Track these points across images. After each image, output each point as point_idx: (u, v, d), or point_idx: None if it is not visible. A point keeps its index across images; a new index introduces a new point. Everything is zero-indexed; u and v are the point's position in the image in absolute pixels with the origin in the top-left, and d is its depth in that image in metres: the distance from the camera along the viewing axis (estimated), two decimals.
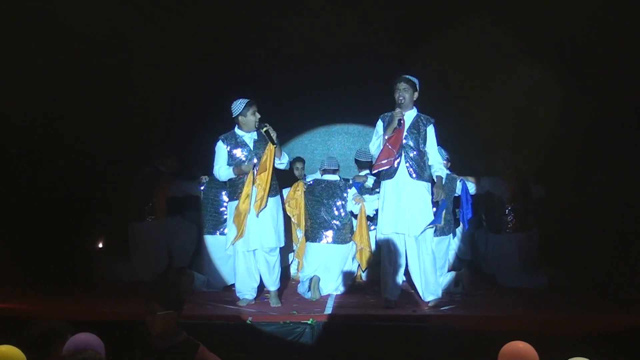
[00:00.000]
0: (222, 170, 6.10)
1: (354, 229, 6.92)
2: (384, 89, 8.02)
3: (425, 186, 5.97)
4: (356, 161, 7.92)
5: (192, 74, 7.98)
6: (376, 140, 6.11)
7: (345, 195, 6.90)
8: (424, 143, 5.97)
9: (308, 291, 6.52)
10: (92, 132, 7.17)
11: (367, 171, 7.60)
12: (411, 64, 7.21)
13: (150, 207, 7.49)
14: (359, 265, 7.07)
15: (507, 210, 7.21)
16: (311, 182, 7.06)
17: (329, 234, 6.82)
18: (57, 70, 6.46)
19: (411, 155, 5.92)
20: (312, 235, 6.86)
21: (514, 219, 7.20)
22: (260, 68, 7.85)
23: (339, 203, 6.87)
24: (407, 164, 5.91)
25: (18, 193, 6.60)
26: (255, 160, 6.03)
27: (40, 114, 6.53)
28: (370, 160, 7.61)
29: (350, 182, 7.44)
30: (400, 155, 5.91)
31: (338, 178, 7.08)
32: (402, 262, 6.02)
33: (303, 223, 6.96)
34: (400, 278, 6.11)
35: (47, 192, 6.91)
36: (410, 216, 5.89)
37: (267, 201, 6.01)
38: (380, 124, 6.10)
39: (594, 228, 6.69)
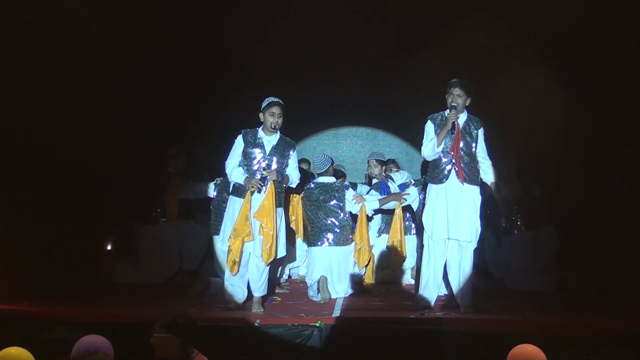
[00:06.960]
0: (235, 172, 6.02)
1: (355, 230, 6.88)
2: (393, 92, 8.09)
3: (475, 190, 5.84)
4: (378, 161, 7.65)
5: (199, 76, 7.98)
6: (429, 142, 5.84)
7: (341, 196, 6.82)
8: (476, 146, 5.84)
9: (318, 294, 6.52)
10: (99, 133, 7.19)
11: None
12: (419, 66, 7.21)
13: (162, 210, 7.51)
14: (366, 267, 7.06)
15: (515, 213, 7.25)
16: (312, 185, 6.96)
17: (330, 236, 6.77)
18: (61, 69, 6.43)
19: (464, 159, 5.78)
20: (313, 240, 6.82)
21: (522, 218, 7.24)
22: (268, 70, 7.84)
23: (335, 204, 6.80)
24: (460, 168, 5.76)
25: (25, 194, 6.61)
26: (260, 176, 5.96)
27: (46, 115, 6.53)
28: (384, 159, 7.67)
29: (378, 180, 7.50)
30: (452, 159, 5.77)
31: (333, 179, 6.99)
32: (442, 266, 5.97)
33: (301, 230, 6.91)
34: (437, 282, 6.02)
35: (56, 194, 6.94)
36: (459, 221, 5.76)
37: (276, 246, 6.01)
38: (430, 125, 5.87)
39: (604, 230, 6.66)
